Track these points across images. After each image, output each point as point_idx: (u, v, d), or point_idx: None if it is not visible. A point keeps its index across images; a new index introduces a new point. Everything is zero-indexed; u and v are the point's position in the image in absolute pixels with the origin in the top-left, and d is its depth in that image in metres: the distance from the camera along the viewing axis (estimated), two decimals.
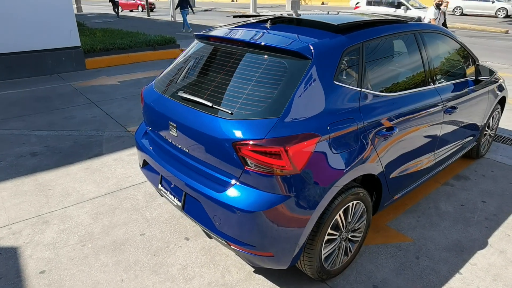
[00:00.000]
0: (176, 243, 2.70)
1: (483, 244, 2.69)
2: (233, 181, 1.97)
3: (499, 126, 4.85)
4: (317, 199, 1.94)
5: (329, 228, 2.12)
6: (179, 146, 2.25)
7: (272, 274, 2.41)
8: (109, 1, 22.65)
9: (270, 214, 1.86)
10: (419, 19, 2.84)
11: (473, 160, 3.98)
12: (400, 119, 2.38)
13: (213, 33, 2.46)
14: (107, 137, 4.50)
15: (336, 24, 2.23)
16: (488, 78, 3.41)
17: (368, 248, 2.65)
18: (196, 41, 2.62)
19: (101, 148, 4.22)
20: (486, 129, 3.84)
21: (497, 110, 3.94)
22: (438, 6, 7.58)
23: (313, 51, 2.00)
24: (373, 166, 2.26)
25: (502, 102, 3.95)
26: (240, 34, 2.32)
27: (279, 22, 2.53)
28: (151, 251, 2.62)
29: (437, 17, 7.59)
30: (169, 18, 20.46)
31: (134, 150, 4.17)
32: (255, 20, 2.72)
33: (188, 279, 2.38)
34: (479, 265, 2.49)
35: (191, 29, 14.37)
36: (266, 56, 2.06)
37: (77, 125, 4.87)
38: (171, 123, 2.22)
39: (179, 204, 2.30)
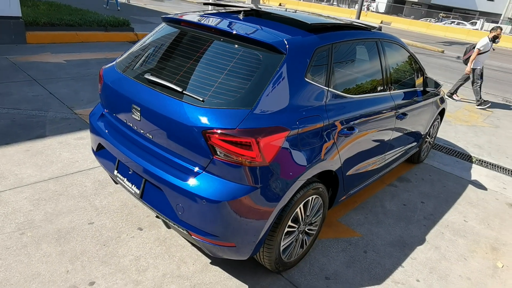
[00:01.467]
0: (129, 233, 2.57)
1: (421, 241, 2.94)
2: (199, 170, 1.92)
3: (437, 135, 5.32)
4: (282, 192, 1.97)
5: (290, 221, 2.17)
6: (142, 131, 2.15)
7: (228, 265, 2.40)
8: None
9: (235, 205, 1.85)
10: (380, 28, 3.01)
11: (414, 165, 4.33)
12: (360, 120, 2.51)
13: (186, 17, 2.38)
14: (51, 118, 4.14)
15: (308, 23, 2.27)
16: (434, 90, 3.72)
17: (321, 242, 2.75)
18: (163, 24, 2.52)
19: (44, 129, 3.87)
20: (427, 136, 4.19)
21: (437, 120, 4.32)
22: (494, 39, 6.78)
23: (287, 46, 2.02)
24: (333, 163, 2.35)
25: (442, 113, 4.35)
26: (215, 22, 2.27)
27: (251, 15, 2.53)
28: (101, 241, 2.47)
29: (487, 50, 6.81)
30: (123, 0, 19.40)
31: (82, 134, 3.89)
32: (226, 10, 2.69)
33: (141, 270, 2.28)
34: (418, 259, 2.72)
35: (119, 8, 14.44)
36: (240, 47, 2.04)
37: (15, 103, 4.41)
38: (135, 106, 2.11)
39: (137, 191, 2.20)
